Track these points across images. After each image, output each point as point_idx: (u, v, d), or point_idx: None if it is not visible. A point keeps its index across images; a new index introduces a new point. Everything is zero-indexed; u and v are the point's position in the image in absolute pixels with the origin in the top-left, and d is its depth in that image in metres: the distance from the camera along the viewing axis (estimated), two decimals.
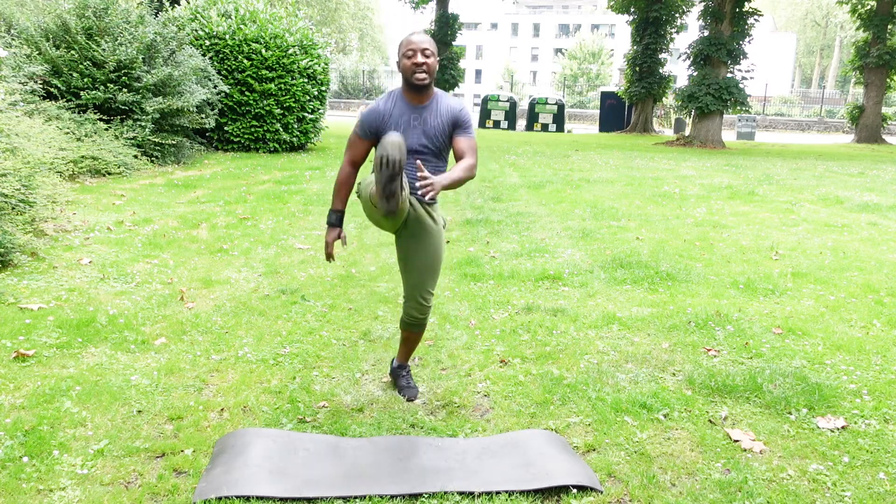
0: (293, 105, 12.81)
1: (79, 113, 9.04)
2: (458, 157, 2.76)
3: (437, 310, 4.18)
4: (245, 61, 12.21)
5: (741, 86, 19.90)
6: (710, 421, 2.89)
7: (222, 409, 2.89)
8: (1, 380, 3.05)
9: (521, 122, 31.07)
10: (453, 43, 29.31)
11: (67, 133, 8.19)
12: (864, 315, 4.31)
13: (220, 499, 2.22)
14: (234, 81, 12.26)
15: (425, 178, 2.40)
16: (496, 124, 27.99)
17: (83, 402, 2.87)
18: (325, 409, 2.94)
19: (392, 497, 2.29)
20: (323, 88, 13.65)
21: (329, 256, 2.93)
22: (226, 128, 12.53)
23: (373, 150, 2.73)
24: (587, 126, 35.85)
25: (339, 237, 2.86)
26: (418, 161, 2.53)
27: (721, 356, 3.60)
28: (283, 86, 12.58)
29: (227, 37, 12.19)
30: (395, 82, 48.77)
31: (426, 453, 2.54)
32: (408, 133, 2.67)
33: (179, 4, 13.02)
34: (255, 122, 12.59)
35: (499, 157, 13.99)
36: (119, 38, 9.64)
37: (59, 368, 3.20)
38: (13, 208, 4.98)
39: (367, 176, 2.74)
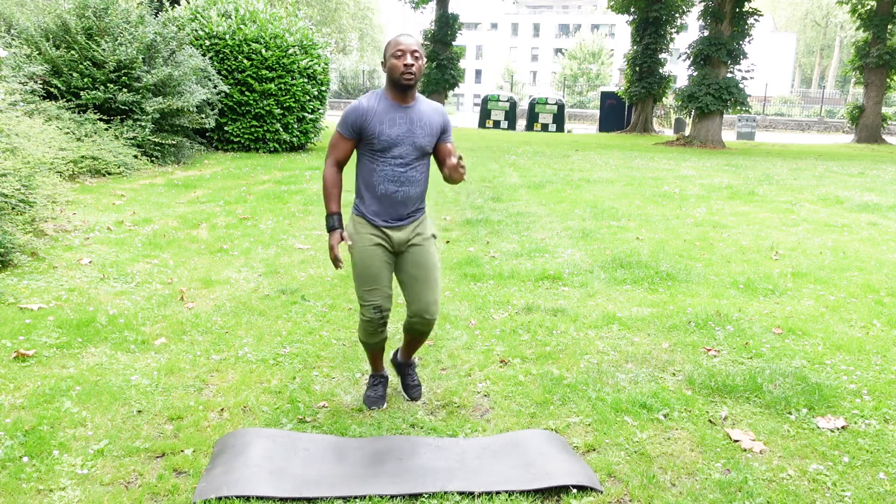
0: (293, 105, 12.82)
1: (79, 113, 9.05)
2: (442, 161, 2.81)
3: None
4: (245, 61, 12.21)
5: (741, 86, 19.89)
6: (710, 421, 2.89)
7: (222, 409, 2.89)
8: (1, 380, 3.05)
9: (521, 122, 31.07)
10: (453, 43, 29.21)
11: (67, 133, 8.19)
12: (864, 315, 4.31)
13: (220, 499, 2.22)
14: (234, 81, 12.26)
15: (462, 166, 2.65)
16: (496, 124, 27.98)
17: (83, 402, 2.87)
18: (325, 409, 2.94)
19: (392, 497, 2.29)
20: (323, 88, 13.65)
21: (336, 262, 2.77)
22: (226, 128, 12.53)
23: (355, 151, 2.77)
24: (587, 126, 35.85)
25: (342, 239, 2.84)
26: (460, 153, 2.68)
27: (721, 356, 3.60)
28: (283, 86, 12.58)
29: (227, 37, 12.19)
30: None
31: (426, 453, 2.54)
32: (396, 128, 2.69)
33: (179, 4, 13.03)
34: (255, 122, 12.59)
35: (499, 157, 13.99)
36: (119, 38, 9.64)
37: (59, 368, 3.20)
38: (13, 208, 4.98)
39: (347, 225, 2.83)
